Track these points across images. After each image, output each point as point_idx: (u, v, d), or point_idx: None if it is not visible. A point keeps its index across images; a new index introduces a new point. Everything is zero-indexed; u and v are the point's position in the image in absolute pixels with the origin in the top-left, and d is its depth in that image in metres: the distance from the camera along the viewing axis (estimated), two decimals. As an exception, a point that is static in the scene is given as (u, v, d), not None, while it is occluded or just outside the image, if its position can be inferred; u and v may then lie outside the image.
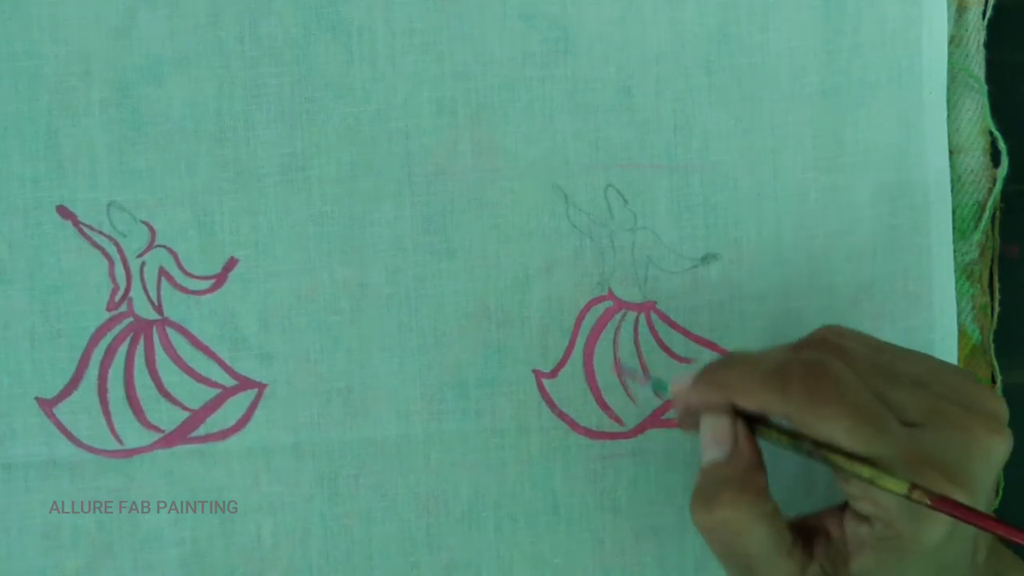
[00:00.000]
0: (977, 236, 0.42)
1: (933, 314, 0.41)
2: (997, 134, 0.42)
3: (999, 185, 0.42)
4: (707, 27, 0.41)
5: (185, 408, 0.40)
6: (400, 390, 0.41)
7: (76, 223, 0.40)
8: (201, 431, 0.40)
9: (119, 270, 0.40)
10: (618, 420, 0.41)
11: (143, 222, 0.40)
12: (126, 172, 0.40)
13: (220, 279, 0.40)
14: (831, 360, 0.32)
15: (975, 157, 0.42)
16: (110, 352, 0.40)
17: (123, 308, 0.40)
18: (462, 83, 0.40)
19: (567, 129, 0.41)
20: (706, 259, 0.41)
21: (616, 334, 0.41)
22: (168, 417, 0.40)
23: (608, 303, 0.41)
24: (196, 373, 0.40)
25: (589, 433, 0.41)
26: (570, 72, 0.41)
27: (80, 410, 0.40)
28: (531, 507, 0.41)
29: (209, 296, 0.40)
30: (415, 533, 0.41)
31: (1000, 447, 0.32)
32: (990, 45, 0.42)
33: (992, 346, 0.42)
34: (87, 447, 0.40)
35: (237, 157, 0.40)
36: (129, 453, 0.40)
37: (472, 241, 0.41)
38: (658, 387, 0.38)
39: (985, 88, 0.42)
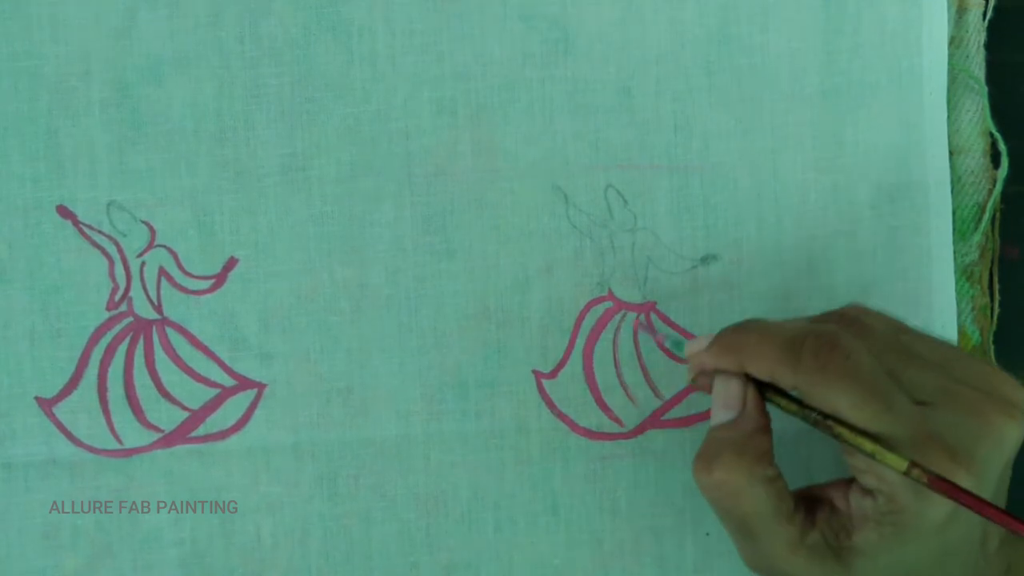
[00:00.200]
0: (977, 237, 0.42)
1: (933, 315, 0.41)
2: (997, 135, 0.42)
3: (999, 186, 0.42)
4: (707, 28, 0.41)
5: (185, 408, 0.40)
6: (400, 390, 0.41)
7: (76, 223, 0.40)
8: (201, 431, 0.40)
9: (119, 270, 0.40)
10: (618, 421, 0.41)
11: (143, 222, 0.40)
12: (126, 172, 0.40)
13: (220, 279, 0.40)
14: (844, 334, 0.33)
15: (975, 158, 0.42)
16: (110, 352, 0.40)
17: (123, 308, 0.40)
18: (462, 83, 0.40)
19: (567, 130, 0.41)
20: (706, 260, 0.41)
21: (616, 335, 0.41)
22: (168, 417, 0.40)
23: (608, 304, 0.41)
24: (196, 373, 0.40)
25: (589, 434, 0.41)
26: (570, 73, 0.41)
27: (80, 410, 0.40)
28: (531, 507, 0.41)
29: (209, 296, 0.40)
30: (414, 533, 0.41)
31: (1013, 433, 0.32)
32: (990, 46, 0.42)
33: (992, 347, 0.42)
34: (87, 447, 0.40)
35: (237, 157, 0.40)
36: (129, 453, 0.40)
37: (472, 241, 0.41)
38: (674, 347, 0.39)
39: (985, 89, 0.42)
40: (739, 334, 0.34)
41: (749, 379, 0.34)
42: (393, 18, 0.40)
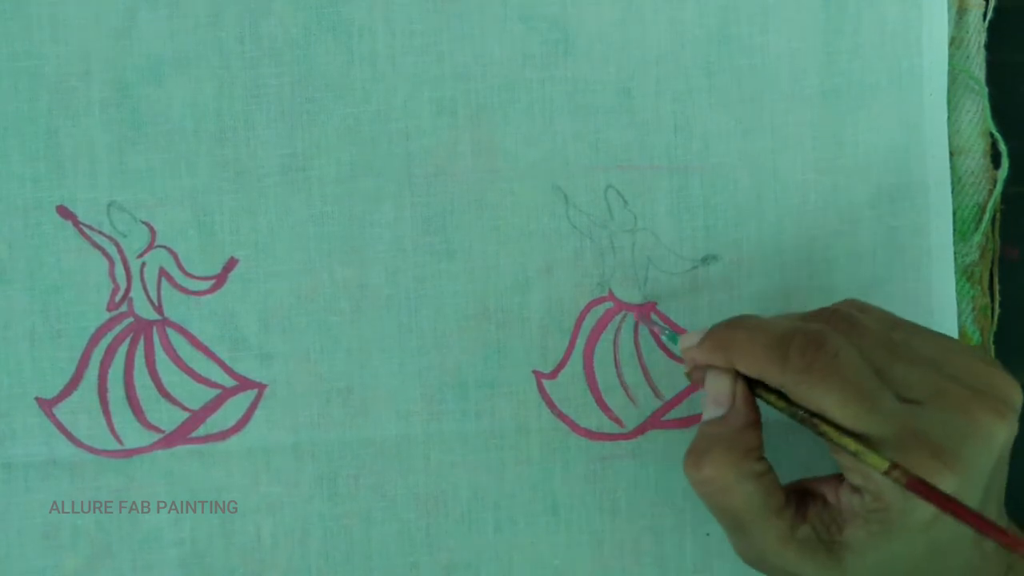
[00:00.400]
0: (977, 238, 0.42)
1: (933, 315, 0.41)
2: (998, 136, 0.42)
3: (999, 187, 0.42)
4: (707, 28, 0.41)
5: (185, 408, 0.40)
6: (400, 390, 0.41)
7: (76, 223, 0.40)
8: (201, 431, 0.40)
9: (119, 270, 0.40)
10: (618, 421, 0.41)
11: (143, 222, 0.40)
12: (126, 172, 0.40)
13: (220, 279, 0.40)
14: (832, 333, 0.33)
15: (975, 159, 0.42)
16: (110, 352, 0.40)
17: (123, 308, 0.40)
18: (462, 84, 0.40)
19: (567, 130, 0.41)
20: (706, 260, 0.41)
21: (616, 335, 0.41)
22: (168, 417, 0.40)
23: (608, 304, 0.41)
24: (196, 373, 0.40)
25: (589, 434, 0.41)
26: (570, 73, 0.41)
27: (80, 410, 0.40)
28: (530, 508, 0.41)
29: (209, 296, 0.40)
30: (414, 533, 0.41)
31: (1001, 431, 0.31)
32: (991, 47, 0.42)
33: (992, 347, 0.42)
34: (87, 447, 0.40)
35: (237, 157, 0.40)
36: (129, 453, 0.40)
37: (472, 242, 0.41)
38: (670, 340, 0.39)
39: (985, 90, 0.42)
40: (729, 331, 0.35)
41: (739, 375, 0.34)
42: (393, 18, 0.40)
